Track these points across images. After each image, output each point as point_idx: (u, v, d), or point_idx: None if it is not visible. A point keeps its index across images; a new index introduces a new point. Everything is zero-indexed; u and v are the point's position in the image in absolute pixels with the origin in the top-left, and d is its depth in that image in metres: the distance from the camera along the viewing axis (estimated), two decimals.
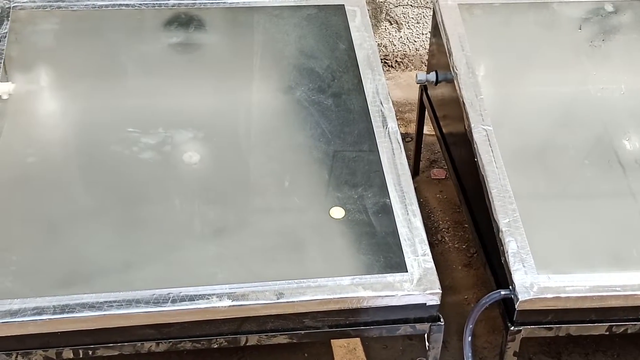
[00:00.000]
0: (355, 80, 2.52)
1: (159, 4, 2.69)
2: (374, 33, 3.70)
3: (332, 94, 2.49)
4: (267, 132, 2.37)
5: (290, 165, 2.28)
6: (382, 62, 3.78)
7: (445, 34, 2.65)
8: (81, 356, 1.95)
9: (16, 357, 1.92)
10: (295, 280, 1.98)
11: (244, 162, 2.29)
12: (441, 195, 3.19)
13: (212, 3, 2.72)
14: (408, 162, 3.35)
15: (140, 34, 2.65)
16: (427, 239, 2.97)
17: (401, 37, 3.70)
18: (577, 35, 2.70)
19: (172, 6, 2.70)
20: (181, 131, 2.33)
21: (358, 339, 2.54)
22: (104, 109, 2.41)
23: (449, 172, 2.80)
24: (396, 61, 3.75)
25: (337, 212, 2.16)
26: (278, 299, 1.94)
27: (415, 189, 3.18)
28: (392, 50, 3.73)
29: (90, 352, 1.95)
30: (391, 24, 3.67)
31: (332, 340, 2.53)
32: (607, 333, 2.08)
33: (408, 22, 3.67)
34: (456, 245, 2.94)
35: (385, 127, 2.36)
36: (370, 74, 2.52)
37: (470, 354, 2.10)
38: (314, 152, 2.32)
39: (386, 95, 2.46)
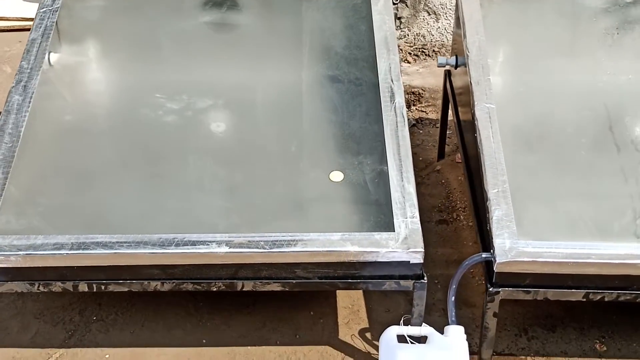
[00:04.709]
0: (371, 58, 2.68)
1: None
2: (412, 23, 3.85)
3: (347, 70, 2.65)
4: (280, 104, 2.56)
5: (299, 133, 2.46)
6: (420, 51, 3.93)
7: (462, 18, 2.77)
8: (95, 290, 2.18)
9: (38, 286, 2.17)
10: (290, 233, 2.16)
11: (255, 128, 2.48)
12: (462, 177, 3.30)
13: None
14: (433, 146, 3.50)
15: (178, 11, 2.88)
16: (444, 217, 3.12)
17: (439, 27, 3.83)
18: (592, 23, 2.78)
19: None
20: (203, 99, 2.55)
21: (362, 302, 2.69)
22: (138, 77, 2.65)
23: (461, 156, 2.92)
24: (434, 50, 3.88)
25: (337, 176, 2.33)
26: (271, 248, 2.12)
27: (438, 171, 3.36)
28: (430, 40, 3.86)
29: (102, 287, 2.18)
30: (429, 14, 3.80)
31: (337, 301, 2.69)
32: (584, 300, 2.17)
33: (446, 13, 3.79)
34: (470, 224, 3.05)
35: (392, 102, 2.51)
36: (386, 54, 2.68)
37: (454, 312, 2.23)
38: (323, 122, 2.49)
39: (398, 73, 2.61)
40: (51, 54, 2.67)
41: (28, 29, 4.21)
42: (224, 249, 2.12)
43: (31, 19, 4.23)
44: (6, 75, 3.84)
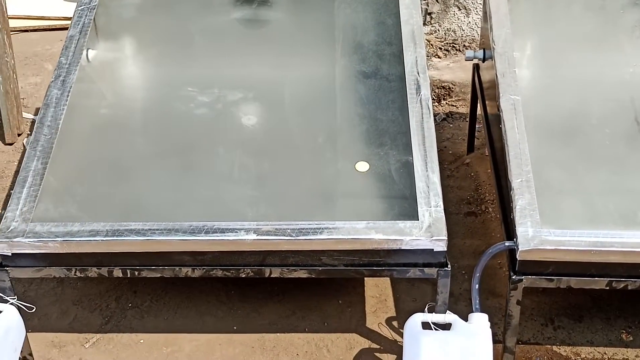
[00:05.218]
0: (397, 51, 2.72)
1: None
2: (443, 18, 3.88)
3: (374, 63, 2.70)
4: (308, 96, 2.62)
5: (326, 125, 2.52)
6: (450, 46, 3.95)
7: (489, 11, 2.80)
8: (128, 275, 2.26)
9: (75, 272, 2.26)
10: (315, 222, 2.21)
11: (283, 120, 2.55)
12: (492, 171, 3.32)
13: None
14: (463, 140, 3.52)
15: (210, 8, 2.96)
16: (472, 209, 3.15)
17: (469, 22, 3.85)
18: (619, 16, 2.78)
19: None
20: (233, 92, 2.62)
21: (390, 291, 2.74)
22: (171, 72, 2.73)
23: (487, 148, 2.94)
24: (464, 45, 3.90)
25: (362, 166, 2.38)
26: (297, 236, 2.18)
27: (467, 164, 3.39)
28: (460, 35, 3.89)
29: (136, 273, 2.26)
30: (460, 9, 3.82)
31: (365, 291, 2.74)
32: (608, 288, 2.19)
33: (476, 8, 3.81)
34: (498, 216, 3.07)
35: (418, 94, 2.56)
36: (412, 47, 2.72)
37: (478, 299, 2.26)
38: (350, 114, 2.55)
39: (424, 66, 2.65)
40: (89, 50, 2.76)
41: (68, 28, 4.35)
42: (252, 236, 2.19)
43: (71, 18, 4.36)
44: (47, 72, 3.96)
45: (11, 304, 2.26)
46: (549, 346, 2.55)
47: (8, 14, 3.39)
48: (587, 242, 2.13)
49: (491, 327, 2.29)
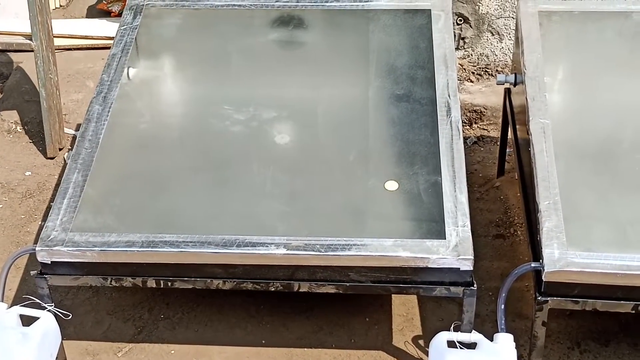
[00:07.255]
0: (429, 74, 2.77)
1: (267, 4, 3.08)
2: (476, 43, 3.92)
3: (406, 86, 2.76)
4: (341, 117, 2.68)
5: (357, 144, 2.58)
6: (483, 70, 3.99)
7: (521, 36, 2.85)
8: (162, 286, 2.33)
9: (110, 281, 2.33)
10: (344, 238, 2.27)
11: (316, 139, 2.61)
12: (521, 195, 3.34)
13: (312, 5, 3.07)
14: (494, 163, 3.55)
15: (247, 29, 3.05)
16: (501, 231, 3.17)
17: (502, 47, 3.89)
18: None
19: (278, 7, 3.08)
20: (267, 111, 2.69)
21: (417, 310, 2.77)
22: (208, 90, 2.82)
23: (517, 172, 2.97)
24: (497, 70, 3.94)
25: (391, 185, 2.43)
26: (326, 251, 2.24)
27: (497, 187, 3.42)
28: (493, 60, 3.93)
29: (169, 284, 2.33)
30: (493, 34, 3.87)
31: (392, 309, 2.78)
32: (633, 312, 2.20)
33: (509, 33, 3.85)
34: (526, 239, 3.09)
35: (448, 116, 2.60)
36: (444, 70, 2.77)
37: (503, 320, 2.29)
38: (380, 134, 2.60)
39: (455, 89, 2.70)
40: (129, 68, 2.86)
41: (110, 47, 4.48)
42: (282, 250, 2.24)
43: (113, 38, 4.49)
44: (89, 90, 4.08)
45: (49, 310, 2.35)
46: None
47: (53, 32, 3.52)
48: (613, 265, 2.15)
49: (517, 348, 2.31)
